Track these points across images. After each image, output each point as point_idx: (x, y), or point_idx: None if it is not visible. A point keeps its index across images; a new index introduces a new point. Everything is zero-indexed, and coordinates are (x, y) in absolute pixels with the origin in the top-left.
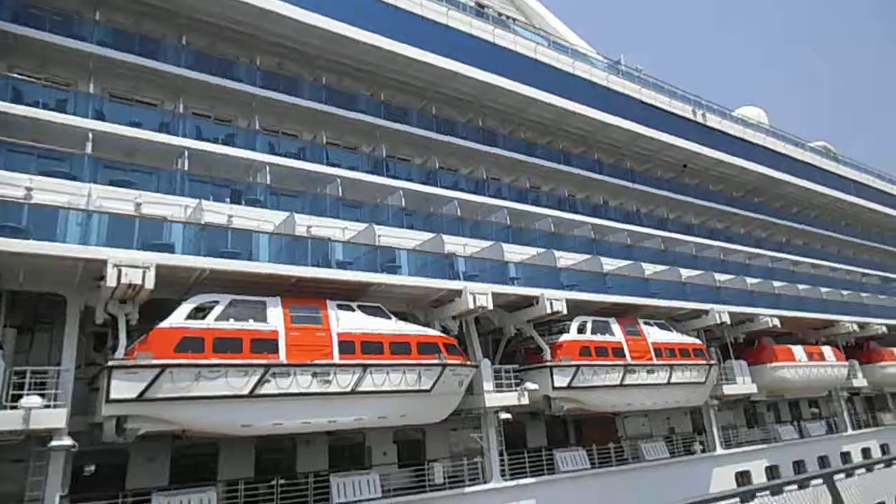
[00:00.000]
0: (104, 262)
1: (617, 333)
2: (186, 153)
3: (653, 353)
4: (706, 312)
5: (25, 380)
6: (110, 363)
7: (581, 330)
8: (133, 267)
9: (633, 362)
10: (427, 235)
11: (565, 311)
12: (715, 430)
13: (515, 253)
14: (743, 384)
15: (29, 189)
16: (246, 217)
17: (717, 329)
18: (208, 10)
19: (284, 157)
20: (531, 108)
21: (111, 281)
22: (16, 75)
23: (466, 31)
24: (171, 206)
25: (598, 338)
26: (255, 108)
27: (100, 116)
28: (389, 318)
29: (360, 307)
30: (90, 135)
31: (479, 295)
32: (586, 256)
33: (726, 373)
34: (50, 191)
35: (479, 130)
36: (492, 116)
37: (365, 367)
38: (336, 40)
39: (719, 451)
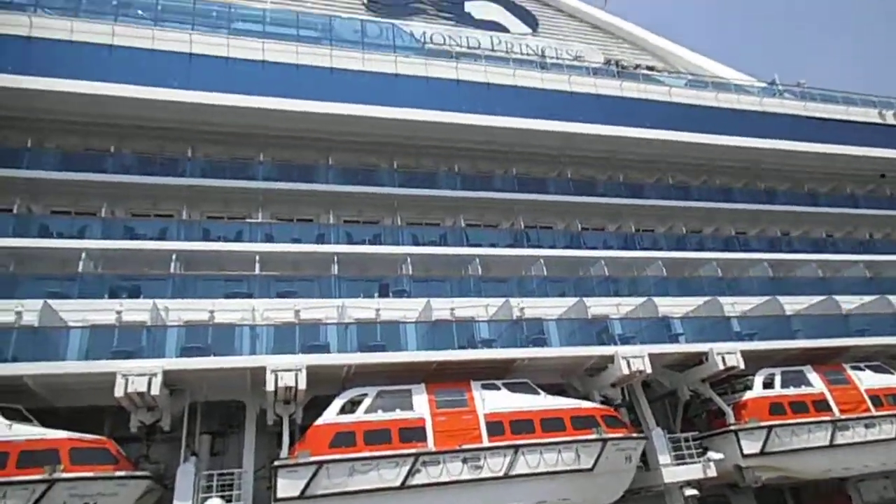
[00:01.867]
0: (264, 369)
1: (816, 384)
2: (336, 258)
3: (869, 403)
4: None
5: (213, 483)
6: (275, 462)
7: (768, 384)
8: (286, 371)
9: (843, 416)
10: (574, 301)
11: (742, 366)
12: None
13: (677, 306)
14: None
15: (211, 312)
16: (393, 308)
17: None
18: (350, 132)
19: (427, 245)
20: (675, 151)
21: (270, 385)
22: (205, 217)
23: (591, 93)
24: (326, 308)
25: (792, 391)
26: (398, 207)
27: (269, 239)
28: (538, 393)
29: (505, 385)
30: (257, 256)
31: (634, 359)
32: (763, 299)
33: None
34: (228, 310)
35: (622, 185)
36: (633, 168)
37: (516, 448)
38: (469, 130)
39: None
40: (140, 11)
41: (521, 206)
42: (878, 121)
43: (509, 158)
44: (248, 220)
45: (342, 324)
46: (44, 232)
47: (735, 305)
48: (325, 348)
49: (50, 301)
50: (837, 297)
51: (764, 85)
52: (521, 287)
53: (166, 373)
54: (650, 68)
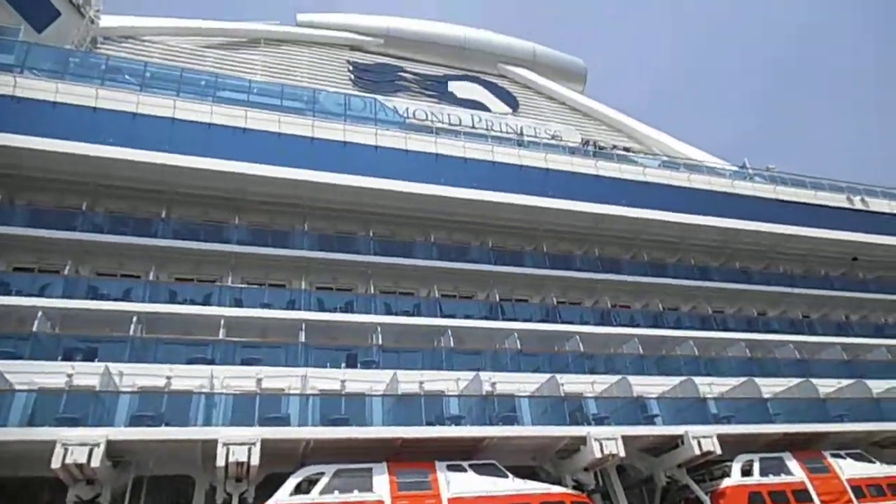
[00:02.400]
0: (216, 442)
1: (796, 472)
2: (304, 325)
3: (851, 495)
4: None
5: None
6: None
7: (747, 471)
8: (239, 444)
9: None
10: (547, 378)
11: (719, 451)
12: None
13: (652, 385)
14: None
15: (169, 378)
16: (360, 380)
17: None
18: (327, 199)
19: (399, 315)
20: (650, 229)
21: (220, 460)
22: (173, 279)
23: (567, 170)
24: (289, 377)
25: (772, 479)
26: (372, 275)
27: (238, 303)
28: (506, 476)
29: (472, 466)
30: (222, 321)
31: (607, 441)
32: (741, 380)
33: None
34: (187, 377)
35: (597, 260)
36: (610, 244)
37: None
38: (445, 202)
39: None
40: (128, 77)
41: (497, 278)
42: (847, 205)
43: (486, 230)
44: (218, 284)
45: (304, 395)
46: (4, 289)
47: (712, 386)
48: (284, 420)
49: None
50: (815, 381)
51: (735, 168)
52: (494, 361)
53: (110, 443)
54: (626, 149)
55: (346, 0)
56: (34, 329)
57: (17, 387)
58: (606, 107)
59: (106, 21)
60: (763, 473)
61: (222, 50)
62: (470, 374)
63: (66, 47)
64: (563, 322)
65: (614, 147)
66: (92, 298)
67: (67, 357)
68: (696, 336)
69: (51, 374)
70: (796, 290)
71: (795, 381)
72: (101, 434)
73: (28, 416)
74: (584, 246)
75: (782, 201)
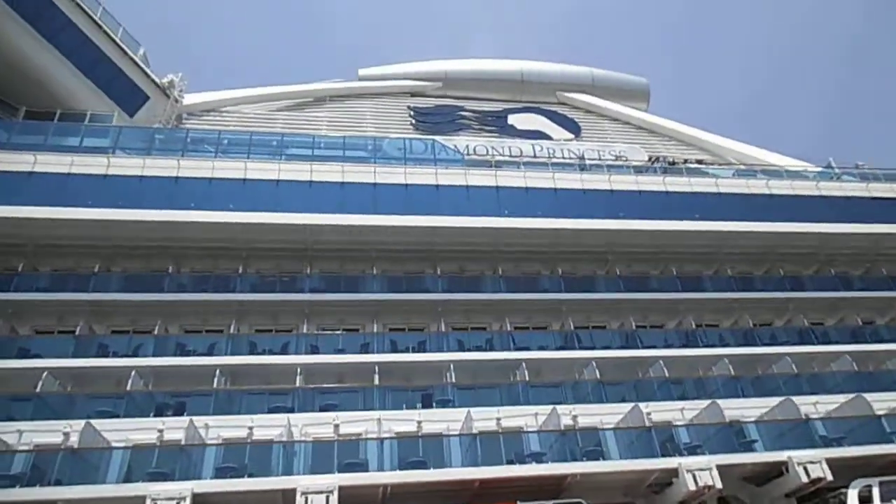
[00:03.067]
0: (294, 491)
1: None
2: (377, 368)
3: None
4: None
5: None
6: None
7: (865, 498)
8: (317, 493)
9: None
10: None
11: (830, 477)
12: None
13: (748, 408)
14: None
15: (251, 428)
16: (435, 420)
17: None
18: (393, 241)
19: (472, 351)
20: (730, 242)
21: None
22: (253, 331)
23: (633, 189)
24: (366, 421)
25: None
26: (443, 312)
27: (314, 350)
28: None
29: None
30: (298, 369)
31: (700, 472)
32: (849, 397)
33: None
34: (267, 426)
35: (676, 279)
36: (688, 261)
37: None
38: (510, 233)
39: None
40: (206, 146)
41: (570, 305)
42: None
43: (554, 258)
44: (295, 333)
45: (380, 439)
46: (103, 351)
47: (817, 405)
48: (362, 466)
49: (96, 421)
50: None
51: (820, 169)
52: (573, 392)
53: (196, 495)
54: (700, 161)
55: (405, 49)
56: (128, 388)
57: (114, 444)
58: (673, 122)
59: (189, 98)
60: (884, 499)
61: (291, 111)
62: (548, 409)
63: (155, 126)
64: (644, 347)
65: (685, 161)
66: (180, 355)
67: (159, 413)
68: (794, 352)
69: (144, 430)
70: None
71: None
72: (187, 487)
73: (124, 473)
74: (660, 265)
75: (878, 199)
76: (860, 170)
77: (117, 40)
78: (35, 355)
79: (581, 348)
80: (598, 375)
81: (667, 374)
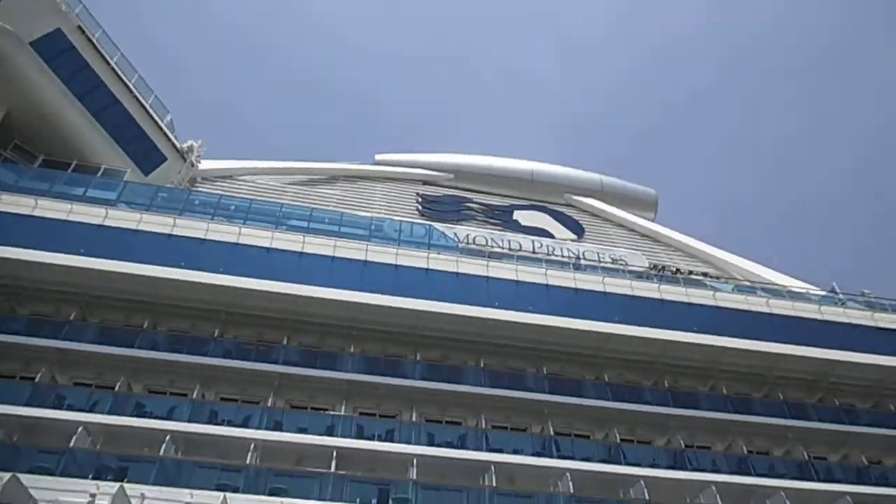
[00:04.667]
0: None
1: None
2: (335, 452)
3: None
4: None
5: None
6: None
7: None
8: None
9: None
10: None
11: None
12: None
13: None
14: None
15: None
16: None
17: None
18: (378, 321)
19: (439, 447)
20: (727, 359)
21: None
22: (219, 399)
23: (626, 294)
24: None
25: None
26: (416, 401)
27: (278, 426)
28: None
29: None
30: (252, 444)
31: None
32: None
33: None
34: None
35: (668, 392)
36: (683, 375)
37: None
38: (497, 325)
39: None
40: (203, 209)
41: (553, 408)
42: None
43: (541, 356)
44: (261, 406)
45: None
46: (59, 403)
47: None
48: None
49: (27, 476)
50: None
51: (824, 293)
52: None
53: None
54: (704, 274)
55: (427, 140)
56: (71, 444)
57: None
58: (679, 233)
59: (205, 164)
60: None
61: (303, 186)
62: None
63: (167, 186)
64: (627, 463)
65: (690, 273)
66: (137, 416)
67: (98, 475)
68: (792, 486)
69: (76, 492)
70: None
71: None
72: None
73: None
74: (652, 376)
75: (884, 329)
76: (866, 297)
77: (147, 106)
78: None
79: (559, 457)
80: (572, 489)
81: (647, 498)
